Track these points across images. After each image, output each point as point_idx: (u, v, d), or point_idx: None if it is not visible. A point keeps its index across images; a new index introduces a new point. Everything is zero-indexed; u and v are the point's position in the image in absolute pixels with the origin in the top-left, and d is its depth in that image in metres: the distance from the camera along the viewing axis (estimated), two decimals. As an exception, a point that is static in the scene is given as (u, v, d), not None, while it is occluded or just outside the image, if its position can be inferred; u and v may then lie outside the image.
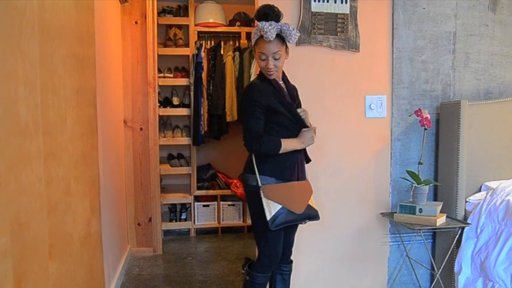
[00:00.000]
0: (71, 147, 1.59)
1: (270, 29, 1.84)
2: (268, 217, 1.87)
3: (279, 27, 1.89)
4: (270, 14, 1.90)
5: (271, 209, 1.88)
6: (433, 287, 2.45)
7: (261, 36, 1.90)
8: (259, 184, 1.92)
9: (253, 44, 1.98)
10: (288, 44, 1.99)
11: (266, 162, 1.94)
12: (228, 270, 3.27)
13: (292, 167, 1.99)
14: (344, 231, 2.50)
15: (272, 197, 1.89)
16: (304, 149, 2.07)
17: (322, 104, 2.42)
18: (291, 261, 2.16)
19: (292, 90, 2.07)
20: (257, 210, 1.93)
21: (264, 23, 1.86)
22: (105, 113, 2.56)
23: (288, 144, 1.93)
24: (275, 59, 1.92)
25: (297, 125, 2.00)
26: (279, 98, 1.95)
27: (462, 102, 2.33)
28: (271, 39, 1.87)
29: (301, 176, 2.04)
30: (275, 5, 1.94)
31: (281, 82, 2.03)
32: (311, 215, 2.02)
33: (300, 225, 2.14)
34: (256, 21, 1.94)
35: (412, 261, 2.53)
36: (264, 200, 1.88)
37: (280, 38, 1.92)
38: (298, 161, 2.02)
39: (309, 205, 2.01)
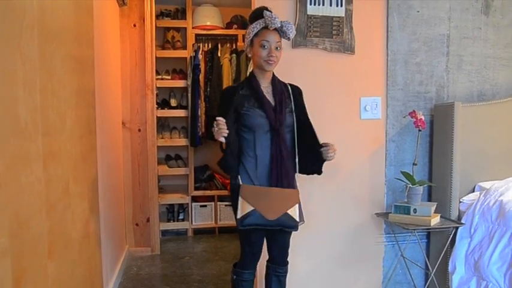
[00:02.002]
0: (70, 148, 1.61)
1: (275, 17, 1.91)
2: (238, 215, 1.90)
3: (280, 21, 1.95)
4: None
5: (243, 208, 1.90)
6: (428, 287, 2.47)
7: (264, 27, 1.94)
8: (240, 182, 1.95)
9: (249, 40, 1.98)
10: (283, 46, 2.03)
11: (242, 162, 1.97)
12: (225, 269, 3.28)
13: (267, 171, 1.95)
14: (339, 232, 2.52)
15: (246, 198, 1.91)
16: (299, 158, 2.05)
17: (317, 105, 2.43)
18: (287, 263, 2.16)
19: (280, 94, 2.02)
20: (235, 208, 1.96)
21: (267, 12, 1.91)
22: (103, 114, 2.58)
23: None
24: (276, 49, 1.96)
25: (272, 129, 1.95)
26: (255, 101, 1.97)
27: (456, 103, 2.36)
28: (278, 25, 1.92)
29: (282, 183, 1.94)
30: (269, 7, 1.98)
31: (267, 85, 2.03)
32: (285, 224, 1.94)
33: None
34: (249, 24, 1.99)
35: (407, 260, 2.56)
36: (240, 198, 1.91)
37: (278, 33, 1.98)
38: (277, 166, 1.94)
39: (286, 214, 1.93)
